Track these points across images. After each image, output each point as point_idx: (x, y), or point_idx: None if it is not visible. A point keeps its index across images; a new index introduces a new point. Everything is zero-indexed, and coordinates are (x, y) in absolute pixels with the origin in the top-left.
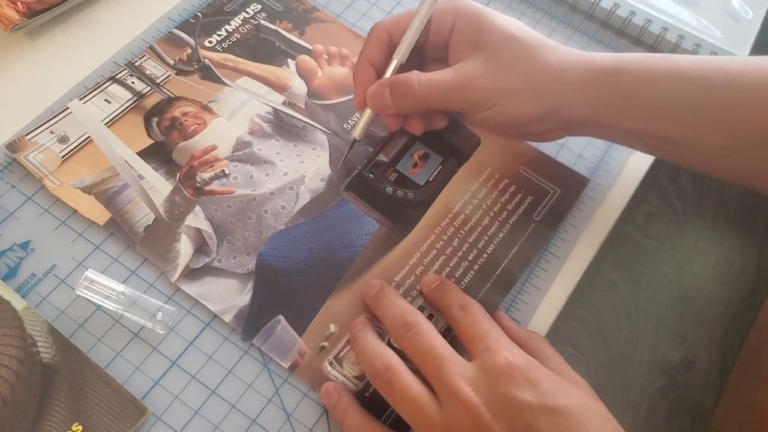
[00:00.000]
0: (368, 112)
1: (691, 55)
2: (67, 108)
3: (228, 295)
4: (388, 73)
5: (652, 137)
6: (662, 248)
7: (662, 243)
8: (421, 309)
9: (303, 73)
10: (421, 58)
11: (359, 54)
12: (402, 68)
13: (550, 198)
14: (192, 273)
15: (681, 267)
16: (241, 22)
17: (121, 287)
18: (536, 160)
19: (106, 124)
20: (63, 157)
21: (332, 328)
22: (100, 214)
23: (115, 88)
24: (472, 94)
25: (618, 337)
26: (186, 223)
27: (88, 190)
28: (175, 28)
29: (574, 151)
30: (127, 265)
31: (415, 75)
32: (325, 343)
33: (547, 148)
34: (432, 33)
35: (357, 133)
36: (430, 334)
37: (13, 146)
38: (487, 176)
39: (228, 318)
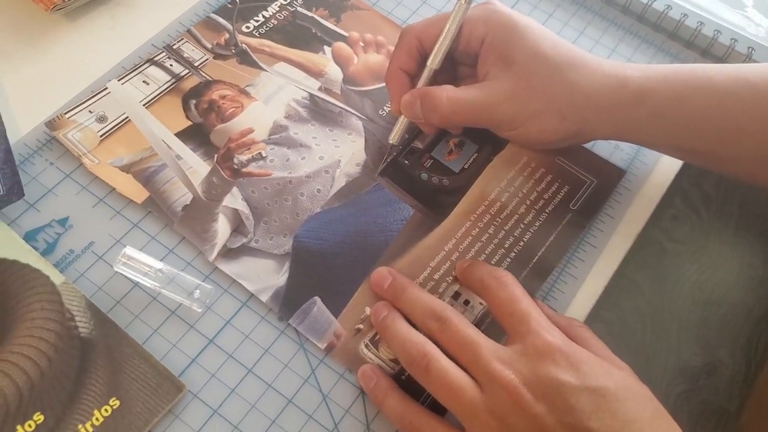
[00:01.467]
0: (403, 119)
1: (722, 65)
2: (106, 88)
3: (265, 275)
4: (422, 81)
5: (679, 150)
6: (686, 252)
7: (686, 247)
8: (457, 295)
9: (339, 60)
10: (452, 62)
11: (390, 59)
12: (435, 72)
13: (586, 188)
14: (229, 253)
15: (704, 271)
16: (278, 9)
17: (159, 264)
18: (572, 150)
19: (144, 105)
20: (101, 136)
21: (368, 311)
22: (138, 192)
23: (153, 70)
24: (498, 114)
25: (642, 340)
26: (223, 203)
27: (126, 169)
28: (213, 12)
29: (610, 143)
30: (165, 243)
31: (444, 92)
32: (361, 326)
33: None
34: (462, 43)
35: (394, 138)
36: (462, 323)
37: (52, 124)
38: (522, 165)
39: (265, 298)
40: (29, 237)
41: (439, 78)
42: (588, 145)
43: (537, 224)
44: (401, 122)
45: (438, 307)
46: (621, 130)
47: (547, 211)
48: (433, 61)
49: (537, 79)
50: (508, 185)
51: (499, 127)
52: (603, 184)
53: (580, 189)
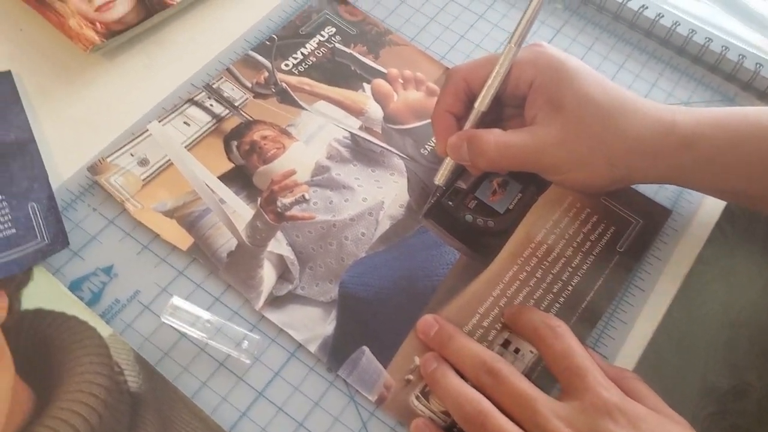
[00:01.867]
0: (450, 160)
1: None
2: (147, 130)
3: (312, 324)
4: (469, 123)
5: (728, 193)
6: (713, 272)
7: (712, 267)
8: (507, 343)
9: (379, 98)
10: (499, 103)
11: (437, 100)
12: (482, 114)
13: (633, 229)
14: (276, 300)
15: (731, 291)
16: (316, 45)
17: (206, 315)
18: (618, 190)
19: (185, 147)
20: (144, 180)
21: (417, 360)
22: (182, 238)
23: (193, 111)
24: (545, 160)
25: (669, 362)
26: (268, 249)
27: (170, 214)
28: (251, 50)
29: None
30: (211, 291)
31: (492, 135)
32: (411, 377)
33: None
34: (511, 85)
35: (440, 180)
36: (515, 376)
37: (94, 169)
38: (568, 205)
39: (313, 348)
40: (74, 286)
41: (485, 118)
42: None
43: (584, 267)
44: (447, 164)
45: (488, 359)
46: (668, 174)
47: (594, 253)
48: (481, 104)
49: (585, 124)
50: (554, 226)
51: (546, 172)
52: (649, 225)
53: (626, 230)
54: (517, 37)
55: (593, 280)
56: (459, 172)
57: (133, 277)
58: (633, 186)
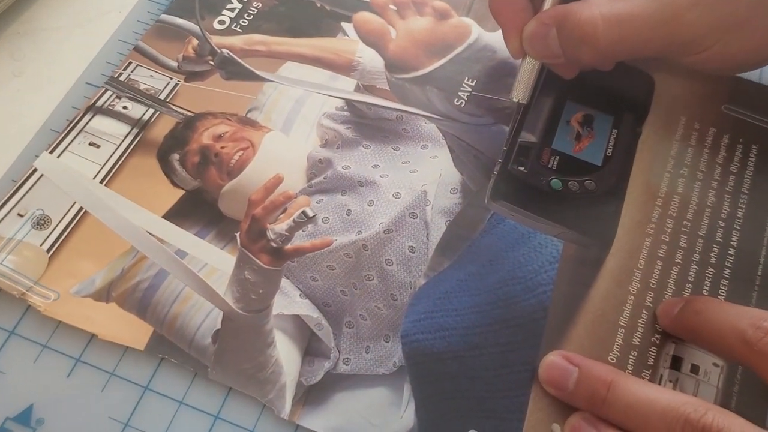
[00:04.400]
0: (529, 62)
1: None
2: (34, 169)
3: (379, 418)
4: None
5: None
6: None
7: None
8: (677, 361)
9: (370, 39)
10: None
11: None
12: None
13: None
14: (311, 394)
15: None
16: None
17: None
18: (740, 90)
19: (101, 182)
20: (49, 251)
21: (557, 429)
22: (134, 331)
23: (99, 123)
24: (682, 32)
25: None
26: (275, 312)
27: (103, 296)
28: (164, 13)
29: None
30: (204, 407)
31: (596, 9)
32: None
33: None
34: None
35: (520, 94)
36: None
37: None
38: (684, 129)
39: None
40: None
41: None
42: (755, 76)
43: (739, 215)
44: (527, 68)
45: (691, 411)
46: None
47: (743, 190)
48: None
49: None
50: (678, 166)
51: (683, 50)
52: None
53: None
54: None
55: (759, 229)
56: (517, 119)
57: (71, 417)
58: (754, 79)
